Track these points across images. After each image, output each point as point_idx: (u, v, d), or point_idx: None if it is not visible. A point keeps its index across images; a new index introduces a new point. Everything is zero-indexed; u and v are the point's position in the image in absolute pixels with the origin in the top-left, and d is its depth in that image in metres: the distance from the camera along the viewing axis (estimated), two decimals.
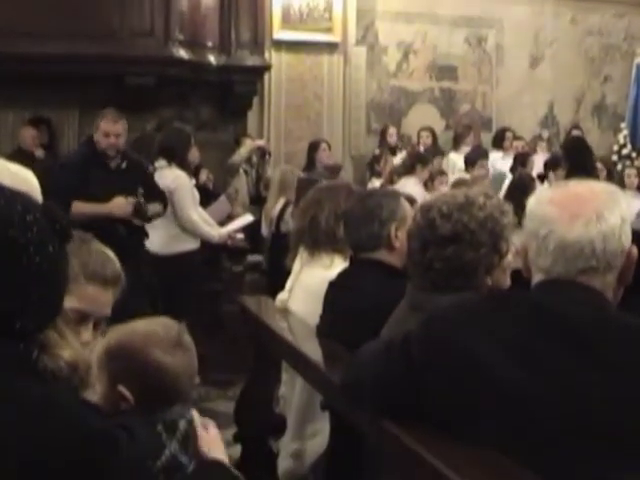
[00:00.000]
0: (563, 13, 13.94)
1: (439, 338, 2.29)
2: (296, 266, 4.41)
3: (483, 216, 2.82)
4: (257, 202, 10.05)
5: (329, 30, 11.77)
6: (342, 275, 3.81)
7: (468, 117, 13.54)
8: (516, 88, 13.77)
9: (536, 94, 13.94)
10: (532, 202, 2.31)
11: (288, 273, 7.91)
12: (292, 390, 4.25)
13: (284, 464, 4.12)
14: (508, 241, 2.87)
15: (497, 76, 13.76)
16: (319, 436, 4.02)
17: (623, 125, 14.06)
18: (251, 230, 8.64)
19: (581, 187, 2.35)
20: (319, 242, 4.25)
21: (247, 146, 10.21)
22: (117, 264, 2.55)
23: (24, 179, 2.50)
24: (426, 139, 12.14)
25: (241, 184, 10.17)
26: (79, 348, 1.99)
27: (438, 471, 2.19)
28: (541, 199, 2.29)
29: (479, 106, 13.73)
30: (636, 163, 12.74)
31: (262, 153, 10.47)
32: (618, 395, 2.06)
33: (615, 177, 11.65)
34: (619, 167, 12.83)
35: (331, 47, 11.87)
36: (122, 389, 2.32)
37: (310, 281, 4.20)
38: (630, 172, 11.42)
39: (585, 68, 14.25)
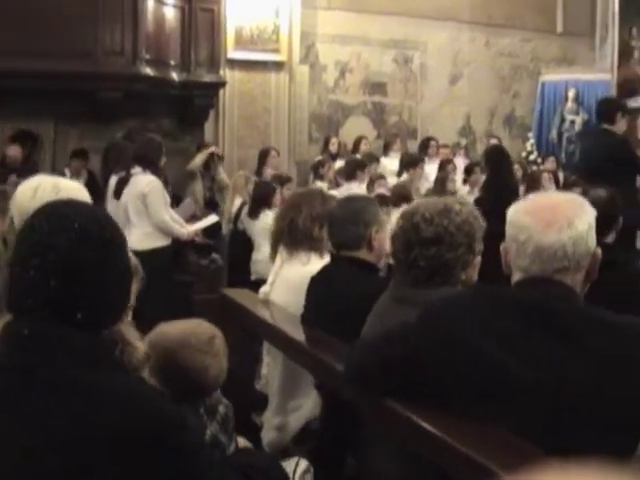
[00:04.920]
0: (478, 37, 14.14)
1: (436, 329, 2.37)
2: (277, 262, 4.45)
3: (460, 220, 2.91)
4: (210, 204, 10.09)
5: (276, 50, 11.80)
6: (325, 270, 3.87)
7: (396, 127, 13.66)
8: (438, 102, 13.95)
9: (455, 107, 14.12)
10: (511, 211, 2.40)
11: (246, 265, 8.03)
12: (274, 370, 4.31)
13: (268, 436, 4.16)
14: (480, 242, 2.99)
15: (421, 92, 13.91)
16: (300, 411, 4.08)
17: (530, 135, 14.28)
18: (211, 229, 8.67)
19: (552, 198, 2.46)
20: (297, 241, 4.30)
21: (202, 153, 10.24)
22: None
23: (80, 189, 2.56)
24: (364, 146, 12.24)
25: (198, 188, 10.20)
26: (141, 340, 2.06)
27: (434, 438, 2.28)
28: (519, 209, 2.38)
29: (406, 118, 13.86)
30: (542, 167, 12.93)
31: (216, 158, 10.47)
32: (592, 374, 2.16)
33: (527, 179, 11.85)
34: (528, 171, 13.00)
35: (278, 65, 11.90)
36: None
37: (290, 276, 4.26)
38: (545, 176, 11.60)
39: (497, 85, 14.47)
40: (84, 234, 1.81)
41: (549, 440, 2.10)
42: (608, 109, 7.81)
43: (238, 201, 9.09)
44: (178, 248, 7.90)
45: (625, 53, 14.22)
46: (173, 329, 2.60)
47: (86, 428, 1.68)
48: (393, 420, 2.49)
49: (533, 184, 11.26)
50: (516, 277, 2.37)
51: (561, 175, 12.52)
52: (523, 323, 2.25)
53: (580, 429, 2.12)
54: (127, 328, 1.94)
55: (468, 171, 11.17)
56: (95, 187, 8.30)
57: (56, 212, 1.87)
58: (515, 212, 2.39)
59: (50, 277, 1.77)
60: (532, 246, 2.29)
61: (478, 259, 3.01)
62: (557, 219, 2.29)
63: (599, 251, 2.37)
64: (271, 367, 4.41)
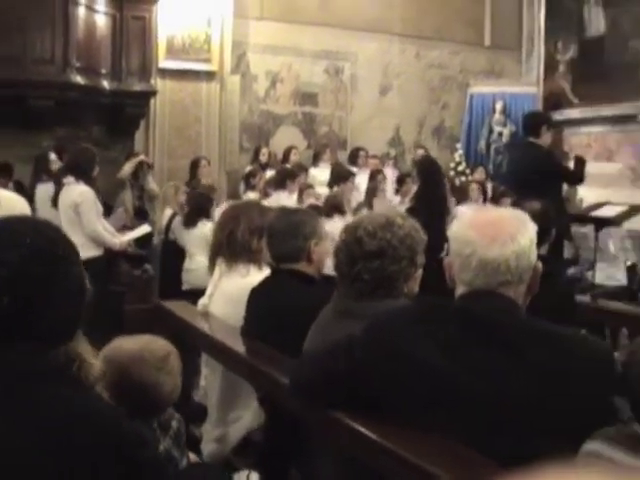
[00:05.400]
0: (408, 49, 14.28)
1: (381, 342, 2.40)
2: (215, 275, 4.45)
3: (402, 234, 2.95)
4: (140, 213, 10.03)
5: (208, 60, 11.80)
6: (265, 282, 3.89)
7: (326, 138, 13.73)
8: (368, 113, 14.04)
9: (385, 118, 14.21)
10: (455, 226, 2.46)
11: (177, 276, 8.00)
12: (214, 382, 4.31)
13: (208, 448, 4.15)
14: (422, 255, 3.03)
15: (352, 102, 13.99)
16: (240, 422, 4.09)
17: (458, 145, 14.39)
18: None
19: (495, 214, 2.52)
20: (236, 253, 4.31)
21: (131, 161, 10.17)
22: None
23: (20, 201, 2.53)
24: (294, 156, 12.29)
25: (127, 197, 10.13)
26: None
27: (378, 448, 2.32)
28: (463, 224, 2.43)
29: (336, 128, 13.93)
30: (471, 178, 13.11)
31: (145, 166, 10.39)
32: (534, 386, 2.21)
33: (457, 190, 12.03)
34: (456, 182, 13.17)
35: (209, 75, 11.90)
36: None
37: (229, 288, 4.27)
38: (473, 186, 11.77)
39: (427, 96, 14.61)
40: (36, 250, 1.81)
41: (492, 450, 2.15)
42: (534, 123, 7.98)
43: (168, 212, 9.07)
44: (110, 258, 7.85)
45: (551, 66, 14.48)
46: (128, 344, 2.59)
47: (45, 445, 1.68)
48: (338, 432, 2.52)
49: (461, 195, 11.47)
50: (460, 290, 2.41)
51: (489, 186, 12.71)
52: (467, 336, 2.30)
53: (522, 440, 2.17)
54: (82, 344, 1.94)
55: (400, 181, 11.29)
56: (24, 197, 8.19)
57: (7, 228, 1.86)
58: (459, 227, 2.43)
59: (2, 293, 1.76)
60: (476, 260, 2.33)
61: (420, 272, 3.05)
62: (500, 234, 2.35)
63: (540, 265, 2.43)
64: (210, 379, 4.40)
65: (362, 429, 2.38)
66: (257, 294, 3.87)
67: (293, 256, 3.78)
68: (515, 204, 6.76)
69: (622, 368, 2.35)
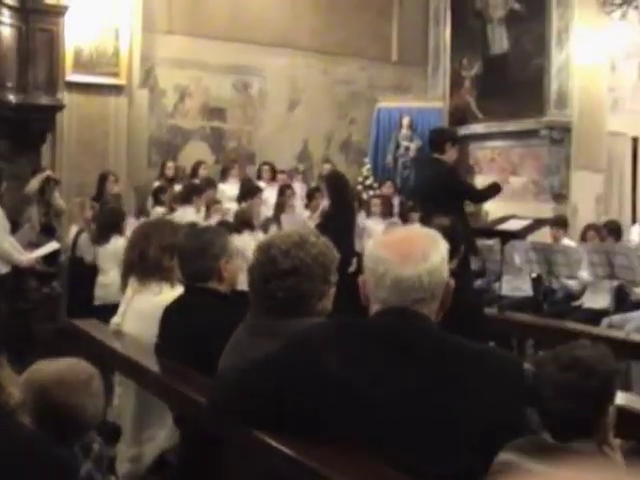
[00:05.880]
0: (316, 65, 14.39)
1: (300, 360, 2.41)
2: (128, 293, 4.42)
3: (316, 252, 2.97)
4: (47, 229, 9.89)
5: (116, 74, 11.73)
6: (179, 301, 3.88)
7: (235, 152, 13.75)
8: (276, 128, 14.11)
9: (293, 133, 14.30)
10: (370, 245, 2.50)
11: (85, 293, 7.92)
12: (127, 401, 4.27)
13: (123, 468, 4.11)
14: (335, 272, 3.07)
15: (260, 117, 14.07)
16: (155, 441, 4.06)
17: (366, 160, 14.56)
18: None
19: (408, 233, 2.57)
20: (148, 272, 4.29)
21: (38, 177, 10.01)
22: None
23: None
24: (202, 171, 12.26)
25: (33, 213, 9.98)
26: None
27: (297, 465, 2.34)
28: (377, 243, 2.47)
29: (244, 143, 13.98)
30: (379, 192, 13.24)
31: (51, 182, 10.24)
32: (447, 399, 2.26)
33: (363, 205, 12.15)
34: (364, 196, 13.29)
35: (117, 89, 11.83)
36: None
37: (142, 306, 4.24)
38: (375, 201, 11.91)
39: (334, 111, 14.75)
40: None
41: (417, 466, 2.19)
42: (439, 139, 8.09)
43: (74, 229, 8.98)
44: (18, 275, 7.74)
45: (456, 82, 14.74)
46: (50, 367, 2.57)
47: None
48: (255, 450, 2.53)
49: (368, 210, 11.62)
50: (375, 308, 2.44)
51: (397, 200, 12.87)
52: (384, 352, 2.33)
53: (441, 455, 2.21)
54: (3, 369, 1.92)
55: (309, 196, 11.36)
56: None
57: None
58: (373, 246, 2.47)
59: None
60: (390, 278, 2.37)
61: (333, 289, 3.08)
62: (413, 252, 2.39)
63: (452, 281, 2.48)
64: (123, 398, 4.36)
65: (280, 447, 2.40)
66: (171, 312, 3.85)
67: (204, 276, 3.78)
68: (423, 219, 6.89)
69: (532, 379, 2.42)
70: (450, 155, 7.95)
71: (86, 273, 8.25)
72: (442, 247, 2.46)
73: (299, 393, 2.37)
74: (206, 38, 13.09)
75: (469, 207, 8.65)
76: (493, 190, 8.20)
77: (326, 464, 2.29)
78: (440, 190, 7.50)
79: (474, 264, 8.28)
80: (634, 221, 12.98)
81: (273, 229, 9.80)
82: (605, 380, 2.39)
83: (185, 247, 3.87)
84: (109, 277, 7.60)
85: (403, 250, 2.40)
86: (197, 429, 3.10)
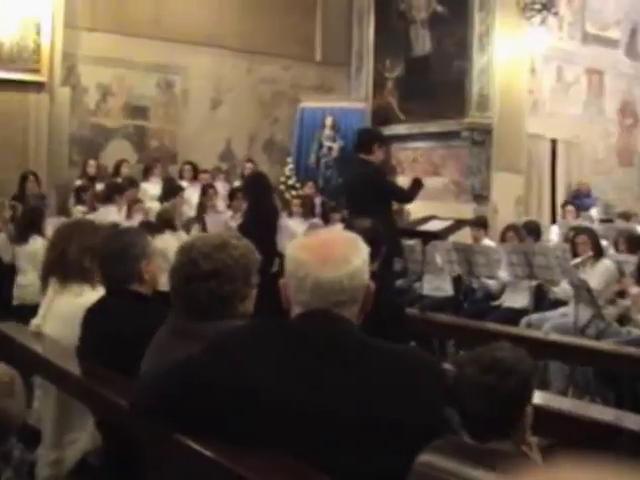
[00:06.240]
0: (240, 64, 14.39)
1: (220, 362, 2.41)
2: (48, 294, 4.35)
3: (237, 254, 2.97)
4: None
5: (37, 70, 11.57)
6: (101, 302, 3.84)
7: (157, 152, 13.67)
8: (199, 127, 14.06)
9: (216, 132, 14.27)
10: (290, 248, 2.50)
11: (3, 294, 7.79)
12: (48, 404, 4.20)
13: (43, 473, 4.02)
14: (256, 274, 3.07)
15: (183, 116, 14.01)
16: (77, 444, 4.00)
17: (289, 159, 14.58)
18: None
19: (329, 236, 2.58)
20: (69, 273, 4.23)
21: None
22: None
23: None
24: (125, 170, 12.16)
25: None
26: None
27: (219, 468, 2.34)
28: (297, 246, 2.47)
29: (167, 142, 13.91)
30: (301, 192, 13.27)
31: None
32: (369, 400, 2.28)
33: (286, 205, 12.17)
34: (287, 196, 13.31)
35: (38, 86, 11.67)
36: None
37: (63, 308, 4.17)
38: (295, 202, 11.94)
39: (258, 111, 14.76)
40: None
41: (339, 466, 2.20)
42: (366, 139, 8.10)
43: None
44: None
45: (379, 83, 14.85)
46: None
47: None
48: (179, 452, 2.52)
49: (289, 210, 11.66)
50: (296, 310, 2.45)
51: (319, 200, 12.90)
52: (305, 355, 2.34)
53: (362, 455, 2.23)
54: None
55: (231, 196, 11.33)
56: None
57: None
58: (294, 248, 2.47)
59: None
60: (311, 281, 2.38)
61: (254, 291, 3.09)
62: (334, 255, 2.40)
63: (372, 284, 2.50)
64: (43, 401, 4.29)
65: (201, 449, 2.40)
66: (92, 314, 3.81)
67: (126, 278, 3.75)
68: (345, 220, 6.92)
69: (452, 380, 2.45)
70: (377, 156, 7.97)
71: (4, 273, 8.11)
72: (363, 250, 2.48)
73: (220, 396, 2.36)
74: (130, 36, 12.99)
75: (393, 206, 8.67)
76: (417, 188, 8.25)
77: (247, 466, 2.29)
78: (367, 190, 7.53)
79: (396, 264, 8.33)
80: (553, 221, 13.26)
81: (195, 229, 9.76)
82: (523, 381, 2.44)
83: (105, 250, 3.82)
84: (28, 277, 7.49)
85: (324, 253, 2.41)
86: (119, 431, 3.07)
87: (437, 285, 9.26)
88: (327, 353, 2.34)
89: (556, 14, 13.77)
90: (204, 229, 9.96)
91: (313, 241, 2.52)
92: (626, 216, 12.66)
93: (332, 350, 2.36)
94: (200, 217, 10.48)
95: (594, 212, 13.26)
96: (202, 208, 10.83)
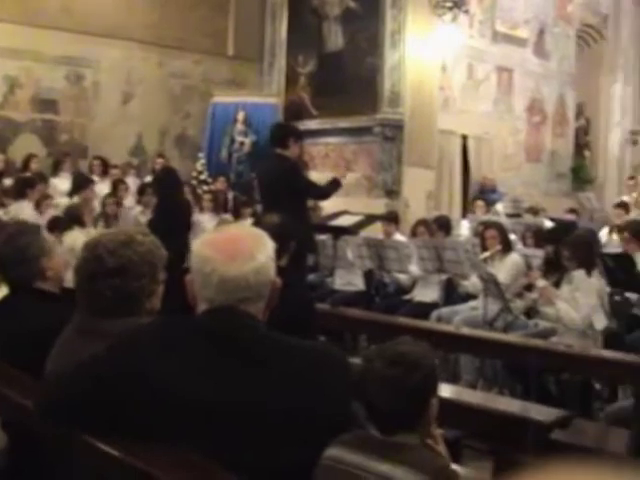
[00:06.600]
0: (151, 57, 14.26)
1: (126, 360, 2.38)
2: None
3: (143, 250, 2.93)
4: None
5: None
6: (4, 302, 3.76)
7: (67, 146, 13.46)
8: (110, 121, 13.90)
9: (127, 126, 14.13)
10: (196, 245, 2.48)
11: None
12: None
13: None
14: (163, 271, 3.04)
15: (94, 110, 13.83)
16: None
17: (201, 155, 14.46)
18: None
19: (234, 232, 2.58)
20: None
21: None
22: None
23: None
24: (34, 165, 11.95)
25: None
26: None
27: (124, 465, 2.31)
28: (203, 242, 2.46)
29: (77, 136, 13.71)
30: (213, 187, 13.21)
31: None
32: (275, 396, 2.28)
33: (197, 199, 12.09)
34: (198, 191, 13.23)
35: None
36: None
37: None
38: (206, 197, 11.89)
39: (169, 105, 14.66)
40: None
41: (245, 461, 2.20)
42: (281, 134, 8.07)
43: None
44: None
45: (292, 79, 14.87)
46: None
47: None
48: (86, 453, 2.49)
49: (200, 205, 11.61)
50: (202, 307, 2.44)
51: (231, 195, 12.88)
52: (212, 351, 2.33)
53: (269, 451, 2.24)
54: None
55: (141, 191, 11.22)
56: None
57: None
58: (199, 245, 2.46)
59: None
60: (217, 278, 2.37)
61: (161, 288, 3.06)
62: (240, 252, 2.40)
63: (278, 280, 2.50)
64: None
65: (107, 449, 2.37)
66: None
67: (28, 279, 3.68)
68: (255, 214, 6.90)
69: (358, 374, 2.47)
70: (293, 151, 7.96)
71: None
72: (269, 246, 2.48)
73: (125, 394, 2.34)
74: (38, 27, 12.75)
75: (309, 202, 8.69)
76: (334, 186, 8.25)
77: (154, 464, 2.27)
78: (282, 186, 7.52)
79: (308, 259, 8.35)
80: (464, 215, 13.43)
81: (100, 226, 9.64)
82: (428, 374, 2.46)
83: (2, 254, 3.75)
84: None
85: (229, 249, 2.41)
86: (25, 432, 3.01)
87: (349, 280, 9.31)
88: (232, 349, 2.34)
89: (467, 12, 13.95)
90: (108, 225, 9.84)
91: (219, 237, 2.52)
92: (534, 211, 12.90)
93: (237, 346, 2.35)
94: (104, 213, 10.33)
95: (500, 207, 13.47)
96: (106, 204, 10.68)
